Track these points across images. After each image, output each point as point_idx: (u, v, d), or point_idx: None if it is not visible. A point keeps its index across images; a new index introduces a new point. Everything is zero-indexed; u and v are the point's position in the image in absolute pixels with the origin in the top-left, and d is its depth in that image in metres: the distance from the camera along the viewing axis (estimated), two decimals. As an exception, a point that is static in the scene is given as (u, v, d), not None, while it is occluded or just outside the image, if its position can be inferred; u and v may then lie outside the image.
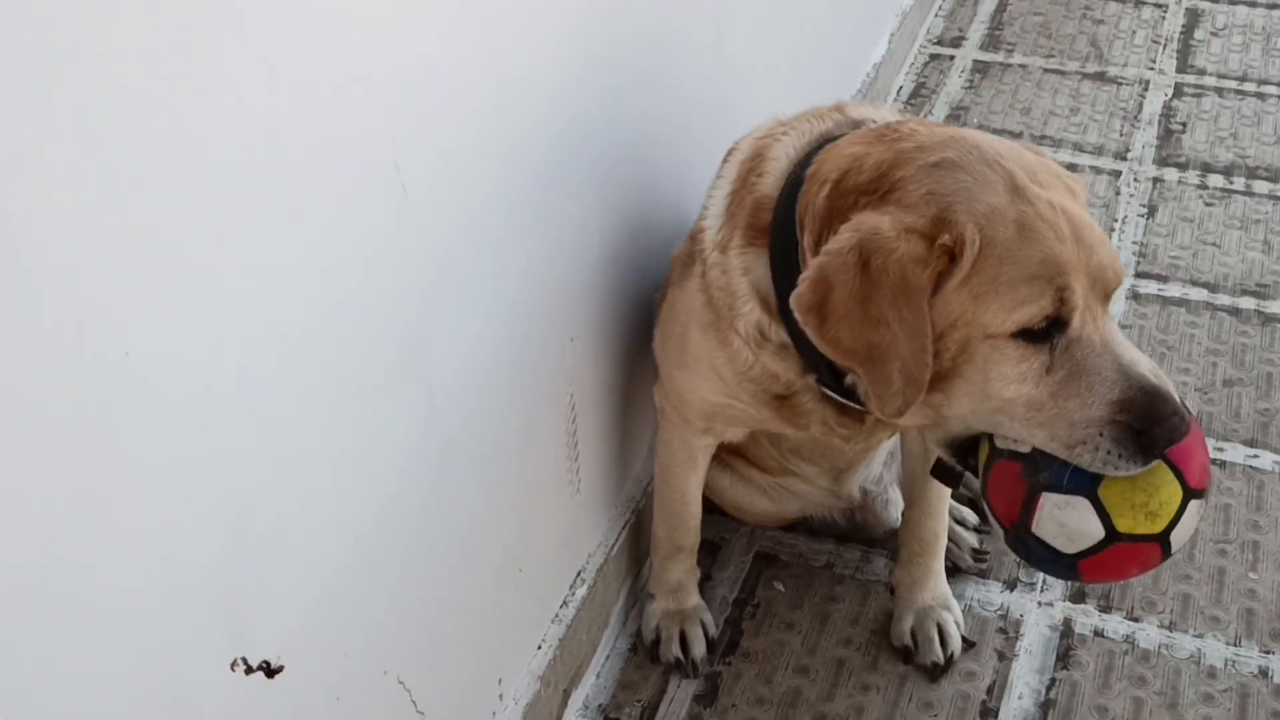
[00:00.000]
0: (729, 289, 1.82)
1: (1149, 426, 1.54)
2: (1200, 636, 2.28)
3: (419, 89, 1.43)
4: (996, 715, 2.16)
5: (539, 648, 2.08)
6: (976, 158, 1.60)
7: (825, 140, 1.78)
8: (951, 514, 2.41)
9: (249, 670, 1.31)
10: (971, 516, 2.48)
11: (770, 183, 1.78)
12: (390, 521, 1.56)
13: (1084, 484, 1.61)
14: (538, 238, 1.80)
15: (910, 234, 1.55)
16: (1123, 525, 1.61)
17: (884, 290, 1.55)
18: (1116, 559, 1.65)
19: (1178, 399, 1.57)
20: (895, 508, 2.41)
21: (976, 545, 2.43)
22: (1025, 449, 1.63)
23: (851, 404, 1.78)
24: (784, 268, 1.71)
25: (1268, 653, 2.24)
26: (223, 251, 1.18)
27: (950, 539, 2.38)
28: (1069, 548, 1.64)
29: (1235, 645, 2.26)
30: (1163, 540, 1.63)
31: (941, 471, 1.81)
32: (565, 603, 2.15)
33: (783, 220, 1.72)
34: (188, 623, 1.23)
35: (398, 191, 1.41)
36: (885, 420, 1.72)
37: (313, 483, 1.38)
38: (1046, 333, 1.56)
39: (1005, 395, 1.59)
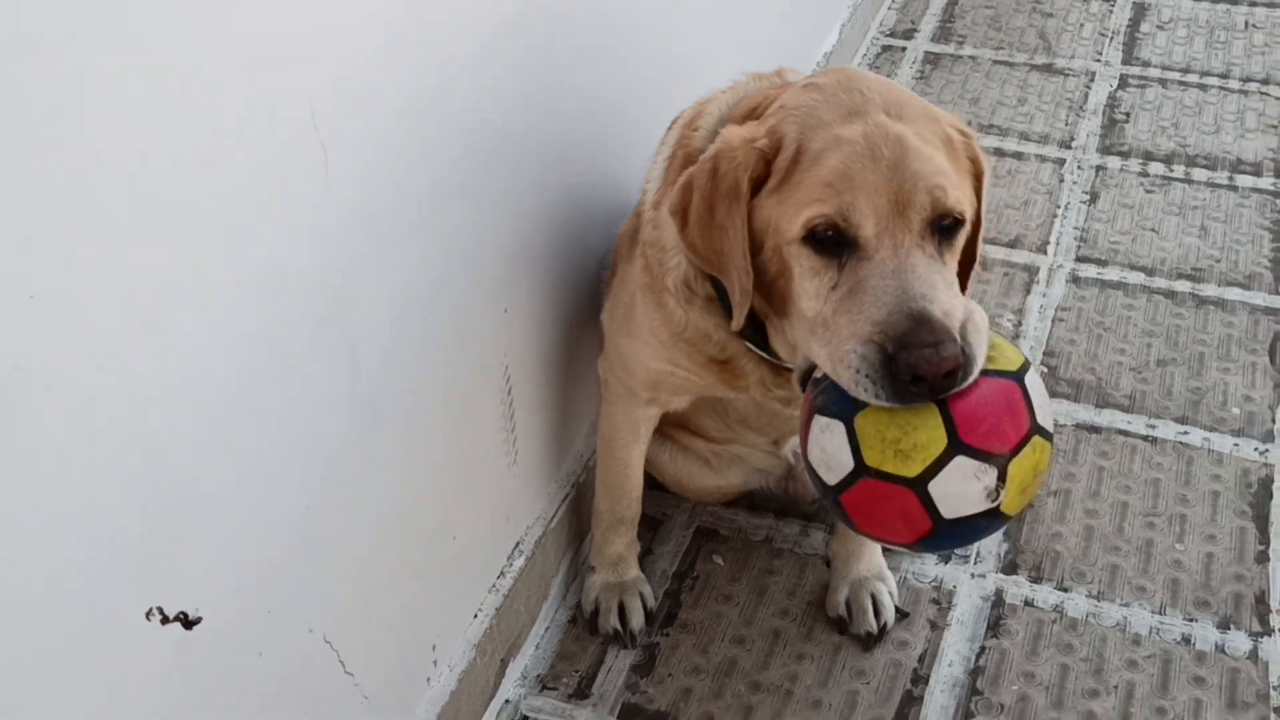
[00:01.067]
0: (659, 243, 1.88)
1: (898, 350, 1.49)
2: (1127, 606, 2.33)
3: (340, 46, 1.46)
4: (927, 682, 2.20)
5: (475, 616, 2.11)
6: (840, 85, 1.65)
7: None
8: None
9: (165, 620, 1.34)
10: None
11: (702, 137, 1.86)
12: (316, 482, 1.59)
13: (846, 408, 1.56)
14: (470, 206, 1.83)
15: (749, 143, 1.63)
16: (870, 458, 1.54)
17: (723, 196, 1.64)
18: (870, 498, 1.56)
19: (952, 335, 1.49)
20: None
21: None
22: (820, 374, 1.62)
23: (782, 363, 1.82)
24: None
25: (1191, 620, 2.29)
26: (133, 209, 1.20)
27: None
28: (829, 478, 1.59)
29: (1160, 614, 2.31)
30: (918, 488, 1.52)
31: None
32: (503, 573, 2.18)
33: None
34: (102, 568, 1.25)
35: (317, 151, 1.44)
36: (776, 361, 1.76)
37: (231, 438, 1.41)
38: (837, 247, 1.57)
39: (804, 311, 1.61)
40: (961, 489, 1.52)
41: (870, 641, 2.26)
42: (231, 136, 1.31)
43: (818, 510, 2.50)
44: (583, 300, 2.27)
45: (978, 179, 1.71)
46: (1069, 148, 3.57)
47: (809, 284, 1.60)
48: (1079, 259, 3.16)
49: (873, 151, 1.57)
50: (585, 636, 2.30)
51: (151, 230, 1.23)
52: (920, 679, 2.21)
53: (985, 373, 1.56)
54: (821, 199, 1.56)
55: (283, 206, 1.41)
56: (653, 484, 2.43)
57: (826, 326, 1.58)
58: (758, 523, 2.51)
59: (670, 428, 2.32)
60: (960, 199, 1.60)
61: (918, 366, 1.48)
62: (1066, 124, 3.67)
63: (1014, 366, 1.59)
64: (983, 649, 2.26)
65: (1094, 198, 3.37)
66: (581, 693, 2.20)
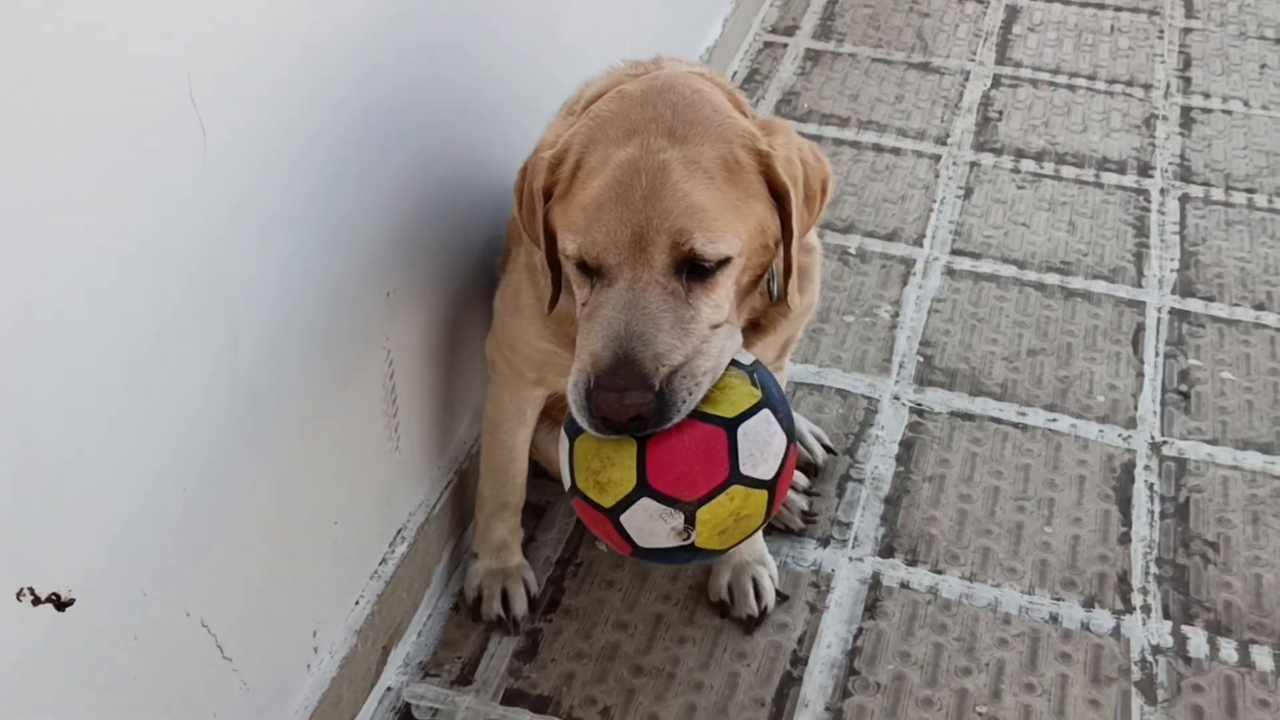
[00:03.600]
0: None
1: (594, 387, 1.58)
2: (998, 586, 2.40)
3: (220, 24, 1.44)
4: (806, 663, 2.24)
5: (357, 603, 2.09)
6: (643, 96, 1.69)
7: None
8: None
9: (36, 601, 1.31)
10: (801, 479, 2.55)
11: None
12: (192, 464, 1.56)
13: (573, 426, 1.68)
14: (352, 187, 1.81)
15: (550, 148, 1.72)
16: (579, 480, 1.67)
17: (529, 196, 1.76)
18: (582, 511, 1.70)
19: (648, 382, 1.55)
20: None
21: (806, 508, 2.50)
22: None
23: None
24: None
25: (1059, 600, 2.37)
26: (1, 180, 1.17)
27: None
28: (565, 482, 1.72)
29: (1029, 594, 2.38)
30: (612, 517, 1.63)
31: None
32: (384, 560, 2.16)
33: None
34: (-31, 548, 1.22)
35: (195, 128, 1.42)
36: None
37: (106, 418, 1.38)
38: (594, 270, 1.64)
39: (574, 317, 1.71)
40: (649, 526, 1.62)
41: (751, 625, 2.30)
42: (105, 111, 1.28)
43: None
44: (467, 285, 2.27)
45: (780, 196, 1.70)
46: (944, 144, 3.65)
47: (576, 294, 1.70)
48: (954, 252, 3.24)
49: (631, 180, 1.60)
50: (468, 623, 2.30)
51: (19, 204, 1.20)
52: (799, 660, 2.25)
53: (700, 415, 1.62)
54: (576, 230, 1.63)
55: (158, 186, 1.38)
56: (537, 472, 2.44)
57: (579, 338, 1.66)
58: (641, 509, 2.52)
59: (557, 412, 2.32)
60: (715, 240, 1.60)
61: (601, 408, 1.57)
62: (942, 121, 3.76)
63: (731, 413, 1.63)
64: (860, 630, 2.31)
65: (968, 193, 3.46)
66: (464, 679, 2.20)
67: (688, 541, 1.63)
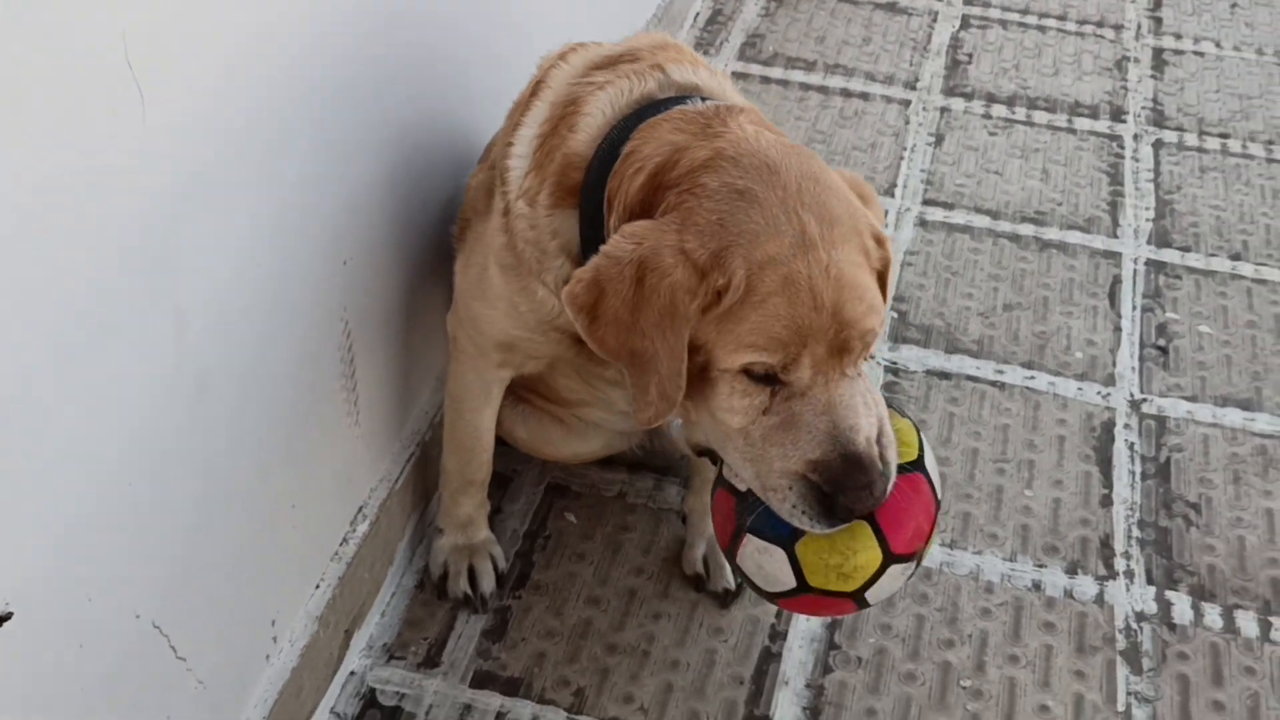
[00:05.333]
0: (539, 245, 1.81)
1: (836, 491, 1.57)
2: (979, 553, 2.33)
3: (155, -17, 1.31)
4: (785, 638, 2.17)
5: (317, 587, 1.99)
6: (779, 200, 1.59)
7: (645, 103, 1.77)
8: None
9: (-31, 620, 1.20)
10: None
11: (583, 140, 1.76)
12: (138, 457, 1.45)
13: (785, 535, 1.65)
14: (305, 157, 1.69)
15: (688, 263, 1.57)
16: (814, 581, 1.65)
17: (653, 308, 1.59)
18: (810, 604, 1.72)
19: (880, 470, 1.58)
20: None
21: None
22: (743, 486, 1.68)
23: None
24: (592, 232, 1.73)
25: (1041, 566, 2.31)
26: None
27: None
28: (767, 586, 1.70)
29: (1011, 560, 2.32)
30: (856, 597, 1.67)
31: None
32: (345, 540, 2.06)
33: (594, 185, 1.73)
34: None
35: (133, 94, 1.29)
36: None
37: (41, 414, 1.27)
38: (771, 376, 1.59)
39: (726, 422, 1.63)
40: (891, 587, 1.68)
41: (728, 598, 2.22)
42: (22, 71, 1.15)
43: (673, 464, 2.44)
44: (426, 250, 2.15)
45: (885, 265, 1.72)
46: (914, 89, 3.55)
47: (738, 402, 1.61)
48: (926, 202, 3.15)
49: (815, 299, 1.55)
50: (434, 602, 2.20)
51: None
52: (778, 635, 2.18)
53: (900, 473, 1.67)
54: (766, 348, 1.56)
55: (95, 155, 1.26)
56: (502, 441, 2.33)
57: (754, 447, 1.62)
58: (611, 478, 2.43)
59: (523, 390, 2.22)
60: (882, 320, 1.64)
61: (855, 508, 1.58)
62: (911, 65, 3.65)
63: (914, 454, 1.69)
64: (839, 601, 2.23)
65: (939, 140, 3.37)
66: (431, 661, 2.11)
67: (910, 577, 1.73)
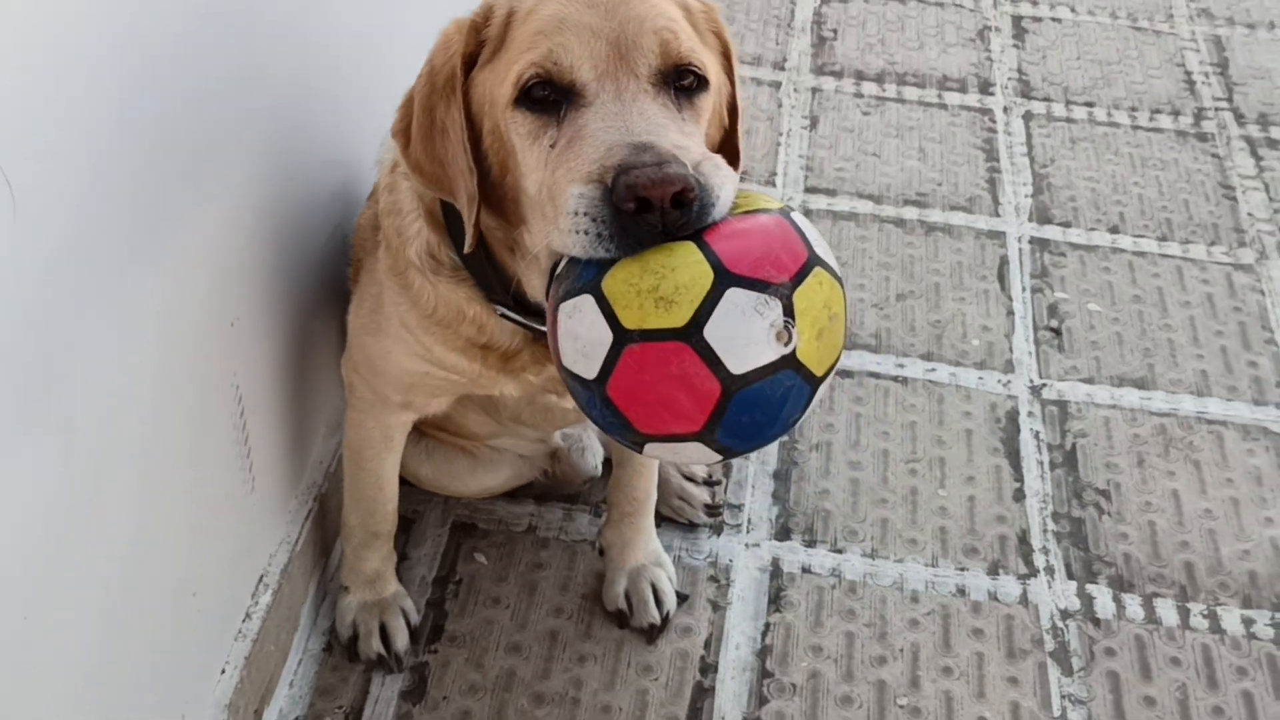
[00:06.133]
0: (396, 207, 1.68)
1: (617, 176, 1.28)
2: (901, 561, 2.30)
3: None
4: (716, 670, 2.10)
5: (222, 673, 1.83)
6: None
7: None
8: (681, 471, 2.31)
9: None
10: (700, 470, 2.37)
11: None
12: (32, 592, 1.28)
13: (590, 277, 1.31)
14: (183, 218, 1.53)
15: (463, 31, 1.48)
16: (629, 319, 1.27)
17: (439, 92, 1.47)
18: (640, 372, 1.29)
19: (680, 160, 1.30)
20: (593, 455, 2.30)
21: (709, 500, 2.33)
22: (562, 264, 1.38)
23: (540, 327, 1.59)
24: None
25: (963, 570, 2.29)
26: None
27: (681, 497, 2.30)
28: (589, 369, 1.31)
29: (933, 566, 2.29)
30: (692, 338, 1.26)
31: None
32: (249, 615, 1.91)
33: None
34: None
35: (3, 190, 1.12)
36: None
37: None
38: (556, 105, 1.40)
39: (529, 190, 1.41)
40: (744, 330, 1.26)
41: (654, 633, 2.13)
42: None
43: (580, 492, 2.33)
44: (308, 299, 1.99)
45: (726, 57, 1.54)
46: (783, 69, 3.48)
47: (530, 154, 1.41)
48: (808, 190, 3.09)
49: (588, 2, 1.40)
50: (345, 665, 2.06)
51: None
52: (709, 667, 2.10)
53: (740, 214, 1.35)
54: (532, 48, 1.39)
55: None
56: (405, 480, 2.19)
57: (549, 190, 1.37)
58: (518, 511, 2.32)
59: (428, 426, 2.08)
60: (696, 51, 1.43)
61: (638, 185, 1.27)
62: (777, 43, 3.58)
63: (774, 206, 1.38)
64: (767, 626, 2.17)
65: (814, 123, 3.30)
66: (349, 731, 1.98)
67: (789, 349, 1.28)
